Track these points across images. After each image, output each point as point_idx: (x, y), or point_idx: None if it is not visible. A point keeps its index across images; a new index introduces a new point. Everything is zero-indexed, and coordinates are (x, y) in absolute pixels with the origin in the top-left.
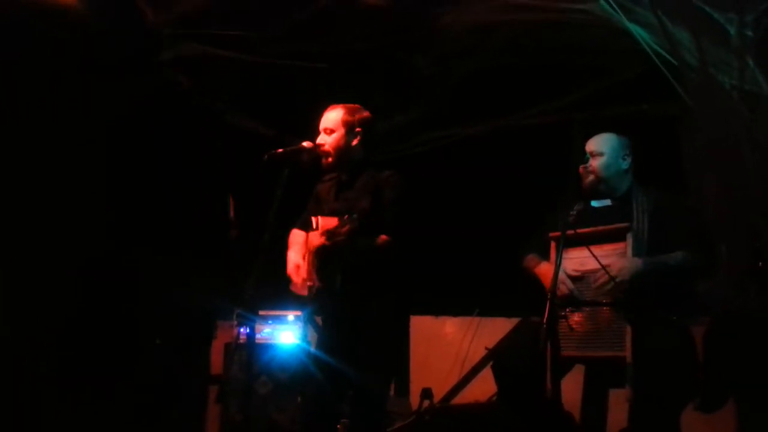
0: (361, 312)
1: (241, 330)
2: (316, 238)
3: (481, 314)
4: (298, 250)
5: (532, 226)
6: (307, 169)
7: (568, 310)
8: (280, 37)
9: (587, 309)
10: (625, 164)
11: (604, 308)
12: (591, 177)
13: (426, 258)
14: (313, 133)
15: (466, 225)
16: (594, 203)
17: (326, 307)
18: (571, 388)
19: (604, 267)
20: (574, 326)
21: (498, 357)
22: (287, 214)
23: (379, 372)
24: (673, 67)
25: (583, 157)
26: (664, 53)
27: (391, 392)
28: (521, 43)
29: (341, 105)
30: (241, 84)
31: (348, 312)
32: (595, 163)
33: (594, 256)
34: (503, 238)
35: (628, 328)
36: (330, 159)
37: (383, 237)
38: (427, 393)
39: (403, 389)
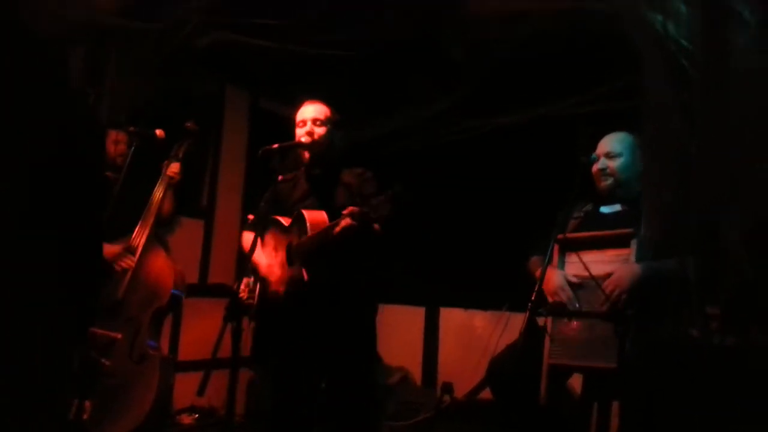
0: (345, 305)
1: None
2: (304, 232)
3: (511, 309)
4: (262, 252)
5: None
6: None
7: (565, 318)
8: (311, 26)
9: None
10: (641, 165)
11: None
12: (610, 180)
13: (457, 251)
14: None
15: (498, 217)
16: (603, 209)
17: (300, 303)
18: None
19: (596, 280)
20: (570, 333)
21: (492, 361)
22: None
23: (364, 362)
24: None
25: (589, 155)
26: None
27: (418, 383)
28: (550, 32)
29: (321, 102)
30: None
31: (332, 306)
32: (613, 165)
33: (583, 263)
34: (537, 231)
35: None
36: (314, 150)
37: (376, 226)
38: (447, 387)
39: (431, 381)
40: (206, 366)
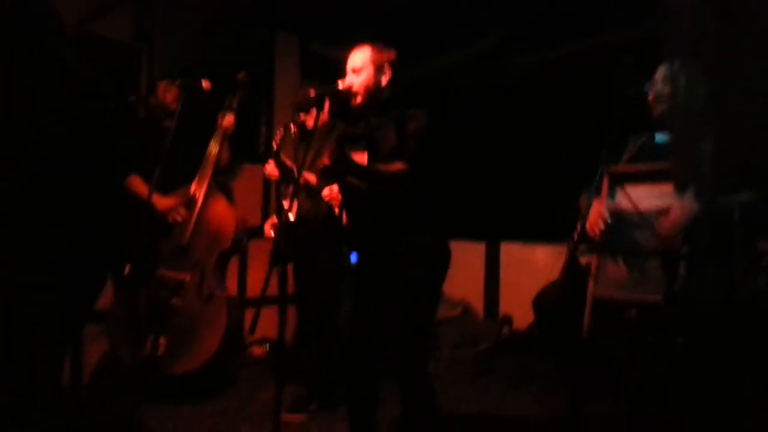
0: (399, 249)
1: None
2: None
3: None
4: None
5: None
6: (346, 110)
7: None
8: None
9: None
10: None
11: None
12: (664, 105)
13: (518, 184)
14: None
15: (558, 151)
16: (659, 139)
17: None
18: None
19: (645, 215)
20: (617, 269)
21: (538, 294)
22: None
23: (422, 308)
24: None
25: (635, 86)
26: None
27: (480, 316)
28: None
29: (368, 44)
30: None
31: (386, 250)
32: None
33: (631, 197)
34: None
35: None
36: (359, 99)
37: (398, 165)
38: (506, 320)
39: (493, 313)
40: (258, 305)
